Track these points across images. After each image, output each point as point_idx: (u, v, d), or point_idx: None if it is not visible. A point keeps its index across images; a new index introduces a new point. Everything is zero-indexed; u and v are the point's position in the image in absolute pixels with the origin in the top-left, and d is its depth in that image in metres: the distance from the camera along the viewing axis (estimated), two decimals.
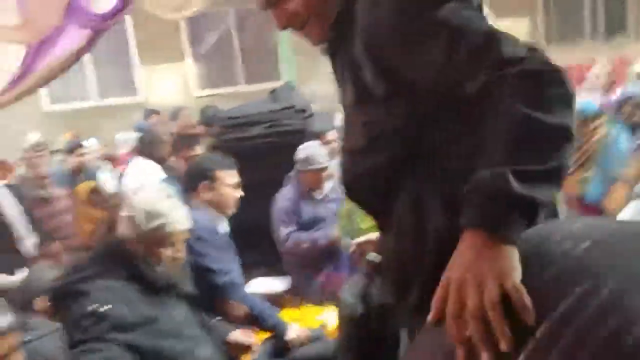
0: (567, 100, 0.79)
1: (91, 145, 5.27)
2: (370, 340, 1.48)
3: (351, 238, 2.87)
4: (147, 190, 1.85)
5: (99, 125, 7.47)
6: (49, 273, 2.56)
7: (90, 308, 1.55)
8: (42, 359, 2.18)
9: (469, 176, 0.77)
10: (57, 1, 3.69)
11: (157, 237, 1.72)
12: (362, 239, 1.41)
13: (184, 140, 3.19)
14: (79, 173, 4.53)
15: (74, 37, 3.91)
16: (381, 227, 1.10)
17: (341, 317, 1.55)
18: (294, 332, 2.21)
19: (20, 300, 2.44)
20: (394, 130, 0.93)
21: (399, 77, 0.89)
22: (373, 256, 1.27)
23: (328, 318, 2.69)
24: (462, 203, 0.76)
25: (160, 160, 3.57)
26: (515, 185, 0.71)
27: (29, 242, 3.72)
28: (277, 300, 2.85)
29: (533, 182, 0.72)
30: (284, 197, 3.05)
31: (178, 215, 1.76)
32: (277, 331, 2.22)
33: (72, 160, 4.52)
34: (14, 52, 3.98)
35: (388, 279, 1.08)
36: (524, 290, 0.64)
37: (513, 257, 0.69)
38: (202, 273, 2.02)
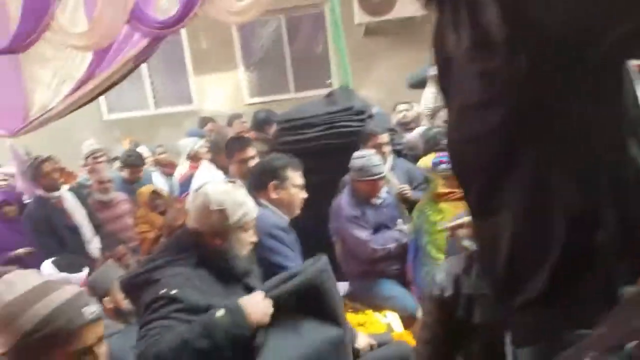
0: None
1: (142, 152, 5.41)
2: (452, 326, 1.44)
3: (424, 233, 2.82)
4: (223, 185, 1.86)
5: (155, 132, 7.70)
6: (114, 273, 2.61)
7: (162, 291, 1.59)
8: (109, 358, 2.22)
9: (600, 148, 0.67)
10: (122, 9, 3.81)
11: (242, 224, 1.81)
12: (454, 222, 1.35)
13: (236, 144, 3.18)
14: (136, 179, 4.67)
15: (135, 44, 4.03)
16: (480, 209, 0.94)
17: (429, 295, 1.56)
18: (363, 340, 2.15)
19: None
20: (514, 84, 0.78)
21: (525, 20, 0.75)
22: (468, 243, 1.21)
23: (392, 321, 2.61)
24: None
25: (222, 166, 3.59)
26: None
27: (94, 244, 3.83)
28: None
29: None
30: (347, 203, 2.97)
31: (251, 203, 1.88)
32: None
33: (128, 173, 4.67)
34: (80, 59, 4.16)
35: (490, 271, 0.94)
36: None
37: None
38: (272, 270, 1.99)
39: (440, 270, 1.63)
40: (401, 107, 5.21)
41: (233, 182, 1.90)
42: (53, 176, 3.83)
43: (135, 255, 3.86)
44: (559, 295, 0.79)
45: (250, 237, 1.87)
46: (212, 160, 3.51)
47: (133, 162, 4.72)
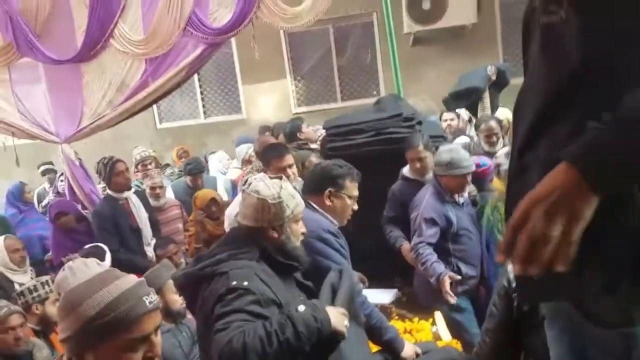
0: None
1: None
2: (517, 317, 1.46)
3: (497, 229, 2.74)
4: (271, 180, 1.88)
5: (204, 141, 7.92)
6: (167, 273, 2.67)
7: (233, 283, 1.62)
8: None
9: None
10: (177, 17, 3.95)
11: (295, 215, 1.86)
12: None
13: (273, 152, 3.18)
14: (197, 185, 4.78)
15: (189, 52, 4.16)
16: (516, 168, 0.94)
17: (498, 285, 1.61)
18: (409, 349, 2.11)
19: None
20: (567, 42, 0.81)
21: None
22: None
23: (440, 329, 2.55)
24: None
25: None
26: (628, 149, 0.70)
27: (152, 247, 3.94)
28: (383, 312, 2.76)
29: None
30: (430, 200, 2.90)
31: (299, 195, 1.95)
32: (393, 347, 2.12)
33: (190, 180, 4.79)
34: (134, 67, 4.32)
35: None
36: (574, 243, 0.72)
37: (590, 208, 0.72)
38: (323, 274, 1.98)
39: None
40: (446, 115, 5.14)
41: (280, 177, 1.92)
42: (125, 176, 3.97)
43: (184, 257, 3.94)
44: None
45: (301, 227, 1.91)
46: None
47: (191, 170, 4.84)
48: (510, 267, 1.70)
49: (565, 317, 0.97)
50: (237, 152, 5.32)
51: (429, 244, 2.82)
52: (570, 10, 0.81)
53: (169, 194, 4.78)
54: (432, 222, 2.83)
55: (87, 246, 3.28)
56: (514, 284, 1.64)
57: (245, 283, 1.62)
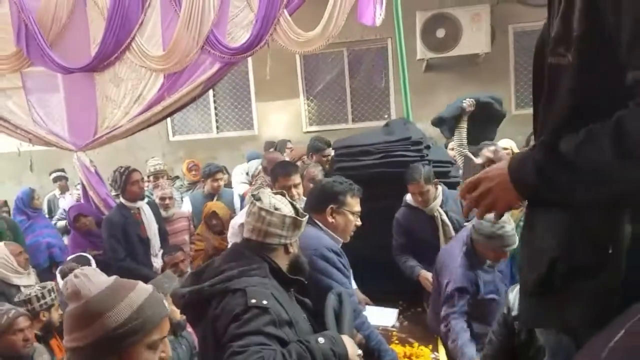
0: None
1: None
2: (515, 344, 1.47)
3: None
4: (280, 197, 1.88)
5: (215, 154, 7.99)
6: (169, 284, 2.68)
7: (252, 301, 1.58)
8: None
9: None
10: (196, 35, 4.05)
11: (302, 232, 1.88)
12: None
13: (281, 170, 3.21)
14: (213, 196, 4.77)
15: (205, 69, 4.25)
16: None
17: (498, 315, 1.71)
18: None
19: None
20: (574, 82, 0.94)
21: (600, 20, 0.86)
22: None
23: (440, 356, 2.53)
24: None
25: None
26: (549, 166, 0.93)
27: (159, 258, 3.97)
28: (383, 335, 2.75)
29: (567, 179, 0.91)
30: (462, 265, 2.62)
31: None
32: None
33: (210, 185, 4.76)
34: (152, 81, 4.42)
35: None
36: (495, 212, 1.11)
37: (509, 197, 1.05)
38: (322, 292, 1.98)
39: (513, 289, 1.67)
40: (452, 144, 5.15)
41: (282, 193, 1.91)
42: (140, 185, 4.03)
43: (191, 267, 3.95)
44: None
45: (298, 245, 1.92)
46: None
47: (210, 170, 4.82)
48: (510, 295, 1.70)
49: (565, 353, 1.02)
50: (247, 167, 5.35)
51: (461, 314, 2.56)
52: (575, 54, 0.91)
53: (187, 206, 4.78)
54: (464, 291, 2.58)
55: (71, 256, 3.27)
56: (513, 312, 1.64)
57: (265, 302, 1.59)
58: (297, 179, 3.15)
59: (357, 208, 2.33)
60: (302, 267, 1.85)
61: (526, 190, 1.01)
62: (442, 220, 3.16)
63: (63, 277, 2.96)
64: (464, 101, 4.38)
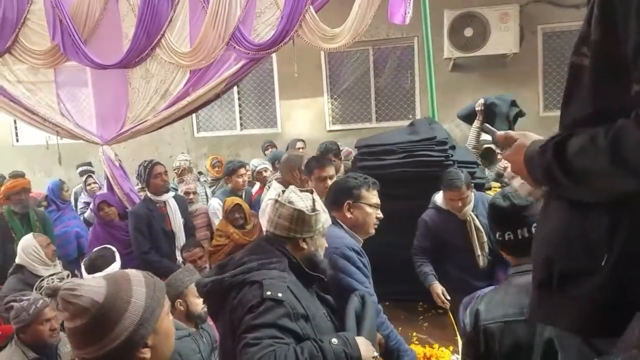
0: None
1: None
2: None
3: None
4: (305, 193, 1.89)
5: (239, 151, 8.05)
6: (190, 277, 2.70)
7: (267, 293, 1.60)
8: (179, 358, 2.29)
9: None
10: (222, 32, 4.08)
11: (325, 229, 1.89)
12: None
13: (316, 162, 3.22)
14: (237, 192, 4.78)
15: (230, 65, 4.28)
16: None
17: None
18: None
19: None
20: (586, 84, 0.96)
21: (615, 29, 0.88)
22: None
23: (460, 358, 2.49)
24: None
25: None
26: (552, 167, 0.95)
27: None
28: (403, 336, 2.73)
29: (555, 183, 0.97)
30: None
31: (327, 211, 1.97)
32: None
33: (234, 181, 4.77)
34: (179, 77, 4.47)
35: None
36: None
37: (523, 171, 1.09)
38: (343, 292, 1.98)
39: (466, 306, 1.64)
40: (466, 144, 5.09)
41: (310, 191, 1.92)
42: (163, 178, 4.08)
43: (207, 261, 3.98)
44: None
45: (325, 242, 1.91)
46: (281, 181, 3.61)
47: (232, 166, 4.82)
48: (467, 312, 1.64)
49: (576, 348, 1.04)
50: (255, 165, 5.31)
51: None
52: (592, 58, 0.94)
53: (215, 204, 4.71)
54: None
55: (96, 248, 3.32)
56: (469, 329, 1.59)
57: (280, 294, 1.60)
58: (331, 170, 3.17)
59: (375, 200, 2.31)
60: (320, 265, 1.84)
61: (536, 181, 1.08)
62: (475, 225, 3.08)
63: (87, 269, 3.00)
64: (477, 102, 4.36)
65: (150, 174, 4.00)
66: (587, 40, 0.94)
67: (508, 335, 1.48)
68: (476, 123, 4.40)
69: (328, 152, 4.36)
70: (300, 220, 1.80)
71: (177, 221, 4.06)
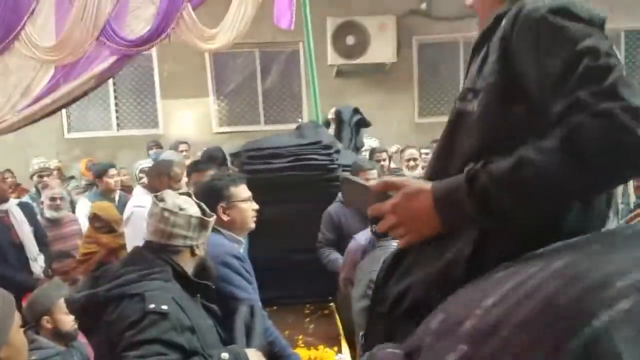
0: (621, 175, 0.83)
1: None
2: None
3: None
4: (188, 198, 1.81)
5: (116, 154, 7.54)
6: (57, 292, 2.49)
7: (150, 306, 1.50)
8: None
9: None
10: (91, 27, 3.81)
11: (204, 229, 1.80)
12: None
13: (195, 167, 3.14)
14: (110, 195, 4.49)
15: (101, 61, 4.01)
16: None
17: None
18: None
19: (28, 318, 2.36)
20: (473, 131, 0.96)
21: (513, 67, 0.91)
22: None
23: (343, 358, 2.56)
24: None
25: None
26: (471, 204, 0.86)
27: (38, 263, 3.65)
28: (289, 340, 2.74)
29: (489, 210, 0.86)
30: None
31: None
32: None
33: (105, 183, 4.48)
34: (42, 72, 4.09)
35: None
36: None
37: (430, 229, 0.93)
38: (224, 299, 1.91)
39: None
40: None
41: (187, 194, 1.84)
42: (1, 187, 3.67)
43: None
44: None
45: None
46: (148, 186, 3.44)
47: (98, 169, 4.57)
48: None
49: None
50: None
51: None
52: (481, 101, 0.95)
53: (84, 208, 4.37)
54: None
55: None
56: None
57: (164, 307, 1.51)
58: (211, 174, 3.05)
59: (246, 193, 2.25)
60: (210, 271, 1.79)
61: (455, 221, 0.92)
62: None
63: None
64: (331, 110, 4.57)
65: None
66: (475, 88, 0.97)
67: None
68: (332, 130, 4.57)
69: (212, 161, 4.00)
70: (199, 227, 1.73)
71: (24, 230, 3.69)
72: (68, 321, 2.37)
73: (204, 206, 1.81)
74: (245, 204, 2.23)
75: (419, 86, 7.88)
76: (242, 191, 2.24)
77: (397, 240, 1.04)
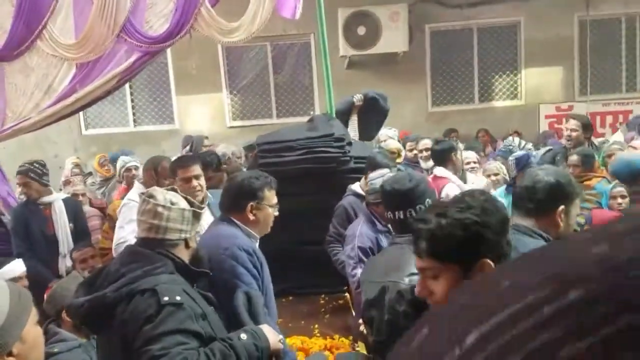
0: None
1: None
2: None
3: None
4: (176, 194, 1.85)
5: (132, 150, 7.64)
6: (75, 284, 2.53)
7: (165, 299, 1.54)
8: None
9: None
10: (111, 23, 3.85)
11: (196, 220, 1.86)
12: None
13: (179, 162, 3.09)
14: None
15: (121, 60, 4.05)
16: None
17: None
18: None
19: (50, 312, 2.42)
20: None
21: None
22: None
23: (359, 348, 2.60)
24: None
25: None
26: None
27: (66, 261, 3.71)
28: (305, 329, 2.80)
29: None
30: (362, 234, 2.72)
31: None
32: None
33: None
34: (63, 71, 4.15)
35: None
36: None
37: None
38: (228, 293, 1.96)
39: None
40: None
41: (173, 189, 1.87)
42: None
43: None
44: None
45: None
46: (143, 181, 3.46)
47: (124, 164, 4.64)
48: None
49: None
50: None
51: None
52: None
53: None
54: (369, 251, 2.65)
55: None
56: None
57: (178, 298, 1.55)
58: (197, 169, 3.00)
59: (275, 200, 2.31)
60: (202, 259, 1.85)
61: None
62: None
63: None
64: (354, 96, 4.46)
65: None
66: None
67: (366, 292, 1.69)
68: (353, 117, 4.52)
69: (207, 167, 3.73)
70: (192, 219, 1.79)
71: (62, 225, 3.77)
72: None
73: (191, 199, 1.84)
74: (272, 209, 2.28)
75: (432, 75, 7.82)
76: (273, 196, 2.29)
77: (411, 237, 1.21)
